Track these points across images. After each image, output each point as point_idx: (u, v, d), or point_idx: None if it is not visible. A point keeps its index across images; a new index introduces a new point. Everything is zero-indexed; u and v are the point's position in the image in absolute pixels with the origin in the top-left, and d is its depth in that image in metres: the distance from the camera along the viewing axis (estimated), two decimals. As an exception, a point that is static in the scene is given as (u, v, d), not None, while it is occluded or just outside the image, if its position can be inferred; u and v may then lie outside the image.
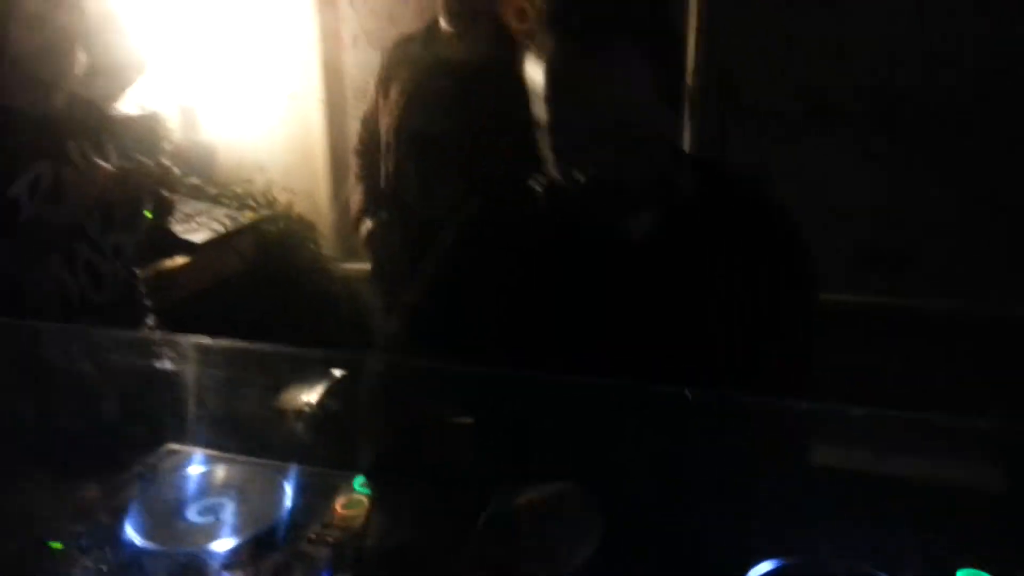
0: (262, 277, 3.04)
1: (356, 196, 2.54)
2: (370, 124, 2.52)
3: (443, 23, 2.31)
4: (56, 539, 1.13)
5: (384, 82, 2.44)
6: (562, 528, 1.05)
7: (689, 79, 2.77)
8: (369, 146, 2.52)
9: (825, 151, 2.75)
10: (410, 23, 2.78)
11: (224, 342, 1.19)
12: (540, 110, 1.12)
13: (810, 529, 1.00)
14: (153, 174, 2.15)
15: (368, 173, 2.52)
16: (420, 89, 2.33)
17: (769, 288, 1.20)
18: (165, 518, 1.17)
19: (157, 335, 1.26)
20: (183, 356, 1.20)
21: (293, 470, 1.24)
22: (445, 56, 2.30)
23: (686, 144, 2.79)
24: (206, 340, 1.21)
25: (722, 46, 2.74)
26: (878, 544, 1.01)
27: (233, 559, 1.09)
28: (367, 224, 2.47)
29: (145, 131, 2.90)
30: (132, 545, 1.12)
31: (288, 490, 1.21)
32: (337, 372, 1.42)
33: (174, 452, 1.33)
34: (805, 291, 1.25)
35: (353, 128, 2.66)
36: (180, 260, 2.77)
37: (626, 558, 1.01)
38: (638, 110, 1.09)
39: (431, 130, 2.30)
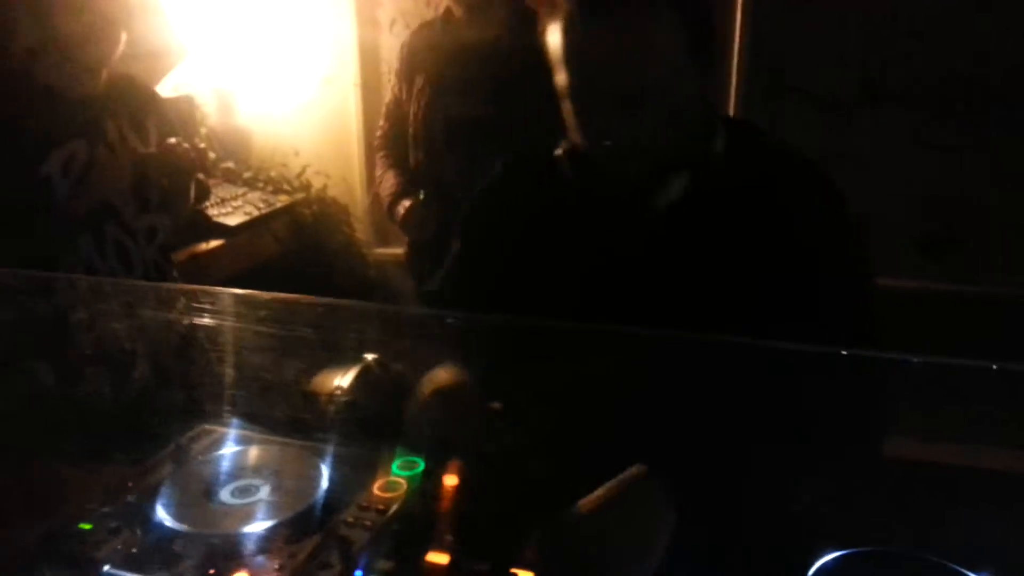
0: (296, 261, 3.03)
1: (388, 182, 2.53)
2: (394, 115, 2.53)
3: (455, 9, 2.33)
4: (86, 520, 1.09)
5: (407, 72, 2.46)
6: (633, 530, 0.97)
7: (735, 59, 2.71)
8: (394, 137, 2.54)
9: (876, 136, 2.67)
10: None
11: (265, 295, 1.13)
12: (562, 77, 1.08)
13: (884, 519, 0.94)
14: (190, 157, 2.13)
15: (397, 160, 2.53)
16: (444, 74, 2.36)
17: (811, 260, 1.11)
18: (198, 499, 1.14)
19: (191, 289, 1.20)
20: (221, 313, 1.15)
21: (330, 451, 1.20)
22: (463, 39, 2.32)
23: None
24: (243, 292, 1.15)
25: (769, 25, 2.67)
26: (956, 537, 0.95)
27: (267, 542, 1.05)
28: (404, 204, 2.44)
29: (183, 114, 2.89)
30: (164, 527, 1.08)
31: (325, 471, 1.17)
32: (369, 356, 1.37)
33: (208, 432, 1.30)
34: (850, 261, 1.17)
35: (383, 112, 2.63)
36: (214, 243, 2.76)
37: (691, 548, 0.95)
38: (664, 71, 1.05)
39: (462, 113, 2.32)
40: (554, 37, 1.07)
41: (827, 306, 1.10)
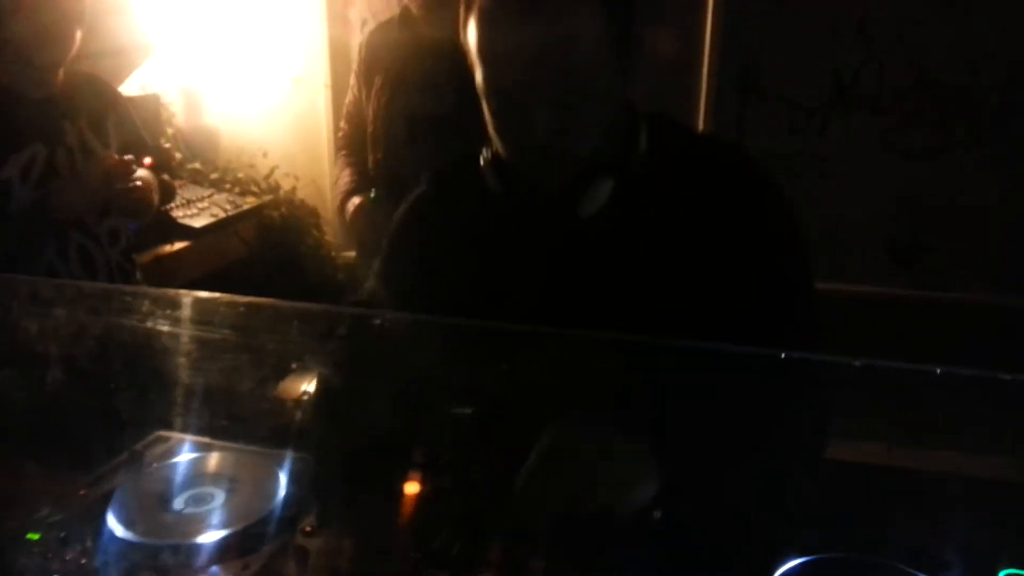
0: (264, 264, 2.99)
1: (342, 180, 2.51)
2: (353, 116, 2.52)
3: (413, 7, 2.32)
4: (34, 530, 1.06)
5: (366, 73, 2.44)
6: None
7: (705, 61, 2.71)
8: (353, 137, 2.52)
9: (849, 142, 2.69)
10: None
11: (222, 297, 1.10)
12: (480, 75, 1.03)
13: (846, 525, 0.93)
14: (155, 158, 2.09)
15: (355, 160, 2.51)
16: (402, 73, 2.33)
17: (744, 250, 1.07)
18: (151, 508, 1.11)
19: (147, 291, 1.17)
20: (175, 319, 1.12)
21: (287, 458, 1.18)
22: (424, 38, 2.30)
23: (700, 128, 2.75)
24: (202, 295, 1.12)
25: (742, 28, 2.67)
26: (917, 542, 0.94)
27: (222, 552, 1.03)
28: (353, 202, 2.41)
29: (148, 113, 2.85)
30: (115, 537, 1.05)
31: (282, 479, 1.15)
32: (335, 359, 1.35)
33: (163, 438, 1.27)
34: (786, 257, 1.11)
35: (343, 114, 2.62)
36: (179, 245, 2.72)
37: (654, 555, 0.94)
38: (587, 69, 0.99)
39: (419, 112, 2.28)
40: (470, 29, 1.03)
41: (766, 294, 1.06)
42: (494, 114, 1.05)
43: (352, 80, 2.52)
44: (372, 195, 2.37)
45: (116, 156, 1.92)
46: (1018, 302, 2.57)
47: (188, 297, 1.13)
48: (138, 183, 1.95)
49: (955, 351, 0.80)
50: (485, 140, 1.13)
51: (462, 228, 1.18)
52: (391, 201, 2.29)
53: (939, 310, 2.66)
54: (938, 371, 0.75)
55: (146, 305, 1.15)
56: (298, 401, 1.41)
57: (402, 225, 1.28)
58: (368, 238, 2.39)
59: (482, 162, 1.13)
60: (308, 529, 1.05)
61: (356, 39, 3.18)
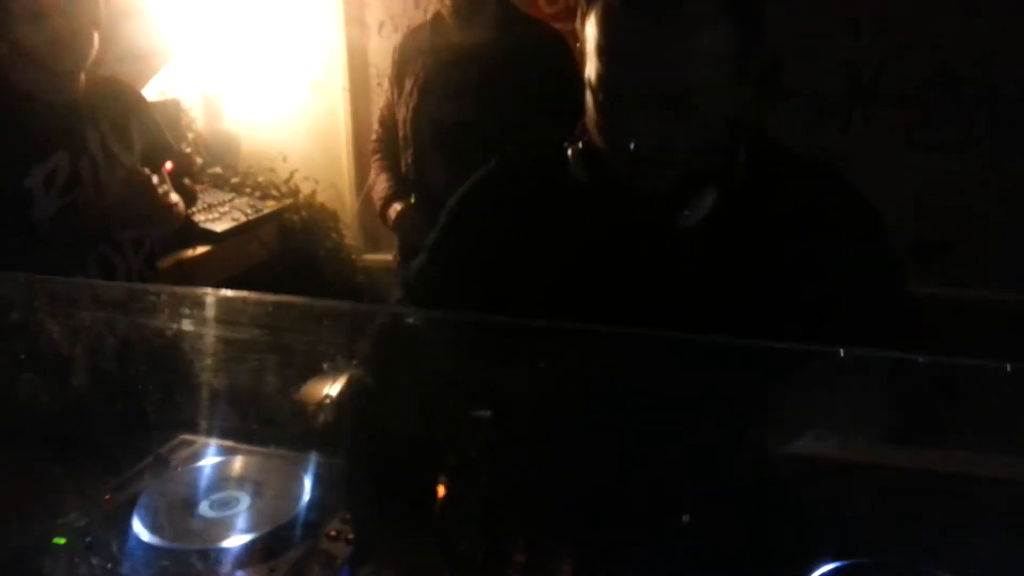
0: (284, 267, 3.00)
1: (381, 185, 2.53)
2: (387, 120, 2.54)
3: (446, 14, 2.33)
4: (60, 535, 1.06)
5: (398, 76, 2.46)
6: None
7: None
8: (387, 141, 2.54)
9: (870, 138, 2.66)
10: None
11: (249, 295, 1.09)
12: (595, 68, 1.00)
13: (876, 529, 0.91)
14: (177, 163, 2.09)
15: (390, 164, 2.53)
16: (434, 78, 2.35)
17: (840, 272, 1.05)
18: (176, 513, 1.11)
19: (172, 290, 1.17)
20: (199, 320, 1.11)
21: (312, 462, 1.17)
22: (455, 44, 2.31)
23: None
24: (228, 293, 1.11)
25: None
26: (947, 545, 0.92)
27: (247, 556, 1.02)
28: (396, 207, 2.43)
29: (169, 119, 2.86)
30: (141, 541, 1.05)
31: (307, 483, 1.14)
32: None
33: (188, 442, 1.27)
34: (886, 285, 1.11)
35: (377, 116, 2.64)
36: (201, 250, 2.73)
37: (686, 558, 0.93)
38: (707, 75, 0.97)
39: (450, 117, 2.31)
40: (593, 25, 0.99)
41: (862, 314, 1.05)
42: (601, 109, 1.03)
43: (386, 84, 2.55)
44: (412, 200, 2.39)
45: (142, 171, 1.92)
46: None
47: (212, 296, 1.12)
48: (168, 195, 1.95)
49: (978, 349, 0.77)
50: (577, 129, 1.10)
51: (535, 213, 1.13)
52: (428, 205, 2.33)
53: (962, 307, 2.63)
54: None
55: (170, 305, 1.14)
56: (321, 404, 1.40)
57: (467, 202, 1.22)
58: (412, 241, 2.40)
59: (571, 152, 1.09)
60: (333, 533, 1.05)
61: (374, 42, 3.19)
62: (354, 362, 1.17)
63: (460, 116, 2.29)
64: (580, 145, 1.08)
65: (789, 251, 1.04)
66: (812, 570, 0.93)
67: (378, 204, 2.51)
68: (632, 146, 0.99)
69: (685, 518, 0.98)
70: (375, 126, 2.64)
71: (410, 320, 1.18)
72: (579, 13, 1.03)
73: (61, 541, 1.06)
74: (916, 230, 2.70)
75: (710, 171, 1.04)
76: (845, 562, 0.93)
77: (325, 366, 1.18)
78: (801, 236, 1.05)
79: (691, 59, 0.96)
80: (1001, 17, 2.47)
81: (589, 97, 1.04)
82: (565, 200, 1.10)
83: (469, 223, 1.20)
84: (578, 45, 1.05)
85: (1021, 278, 2.59)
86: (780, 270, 1.04)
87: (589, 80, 1.02)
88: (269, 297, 1.06)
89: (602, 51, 0.99)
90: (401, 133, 2.44)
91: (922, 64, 2.57)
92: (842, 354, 0.80)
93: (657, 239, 1.07)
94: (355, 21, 3.18)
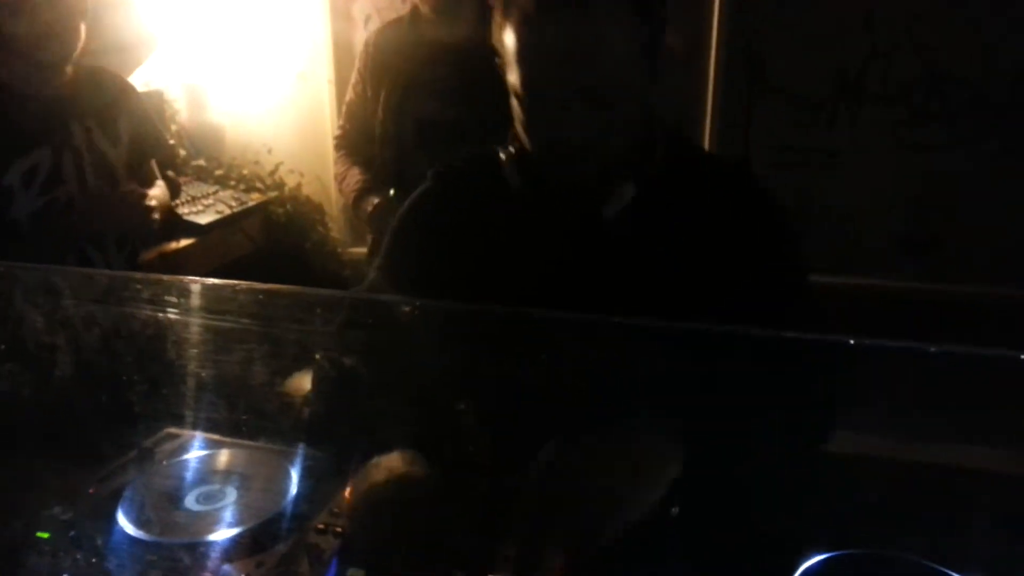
0: (269, 260, 2.98)
1: (352, 179, 2.47)
2: (356, 113, 2.48)
3: (423, 8, 2.30)
4: (44, 528, 1.05)
5: (372, 71, 2.41)
6: (629, 473, 0.97)
7: (712, 57, 2.70)
8: (356, 135, 2.49)
9: (858, 136, 2.67)
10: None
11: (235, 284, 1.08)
12: (515, 72, 1.06)
13: (872, 521, 0.92)
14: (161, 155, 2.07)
15: (359, 159, 2.48)
16: (413, 75, 2.32)
17: (746, 257, 1.12)
18: (162, 506, 1.10)
19: (157, 278, 1.15)
20: (186, 308, 1.10)
21: (299, 454, 1.16)
22: (433, 39, 2.29)
23: (707, 124, 2.73)
24: (215, 282, 1.11)
25: (749, 25, 2.66)
26: (945, 539, 0.93)
27: (234, 550, 1.01)
28: (372, 201, 2.39)
29: (152, 110, 2.83)
30: (126, 535, 1.04)
31: (294, 476, 1.13)
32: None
33: (173, 435, 1.26)
34: (786, 273, 1.17)
35: (344, 110, 2.58)
36: (185, 242, 2.71)
37: (676, 550, 0.93)
38: (619, 71, 1.04)
39: (430, 113, 2.29)
40: (508, 30, 1.05)
41: (765, 293, 1.11)
42: (526, 111, 1.09)
43: (355, 78, 2.49)
44: (391, 194, 2.36)
45: (135, 191, 1.90)
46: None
47: (198, 285, 1.11)
48: (152, 204, 1.93)
49: (967, 345, 0.77)
50: (507, 137, 1.17)
51: (476, 222, 1.19)
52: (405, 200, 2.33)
53: (950, 304, 2.65)
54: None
55: (156, 295, 1.13)
56: (307, 397, 1.40)
57: (409, 220, 1.28)
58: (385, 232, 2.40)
59: (503, 157, 1.17)
60: (321, 526, 1.04)
61: (359, 35, 3.16)
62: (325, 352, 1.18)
63: (440, 112, 2.27)
64: (512, 150, 1.16)
65: (697, 238, 1.12)
66: (803, 560, 0.93)
67: (350, 197, 2.47)
68: (556, 141, 1.07)
69: (674, 510, 0.99)
70: (340, 120, 2.58)
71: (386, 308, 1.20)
72: (494, 27, 1.09)
73: (45, 535, 1.04)
74: (905, 227, 2.71)
75: (629, 164, 1.13)
76: (837, 552, 0.93)
77: (317, 356, 1.17)
78: (708, 224, 1.13)
79: (599, 53, 1.03)
80: (989, 15, 2.48)
81: (514, 102, 1.10)
82: (502, 204, 1.17)
83: (412, 239, 1.27)
84: (497, 60, 1.11)
85: (1010, 274, 2.61)
86: (690, 255, 1.11)
87: (513, 87, 1.09)
88: (257, 285, 1.05)
89: (521, 56, 1.05)
90: (379, 129, 2.40)
91: (909, 62, 2.58)
92: (843, 343, 0.79)
93: (586, 231, 1.14)
94: (341, 14, 3.15)
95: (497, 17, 1.08)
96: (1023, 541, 0.88)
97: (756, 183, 1.20)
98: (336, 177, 2.61)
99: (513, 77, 1.07)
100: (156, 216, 1.98)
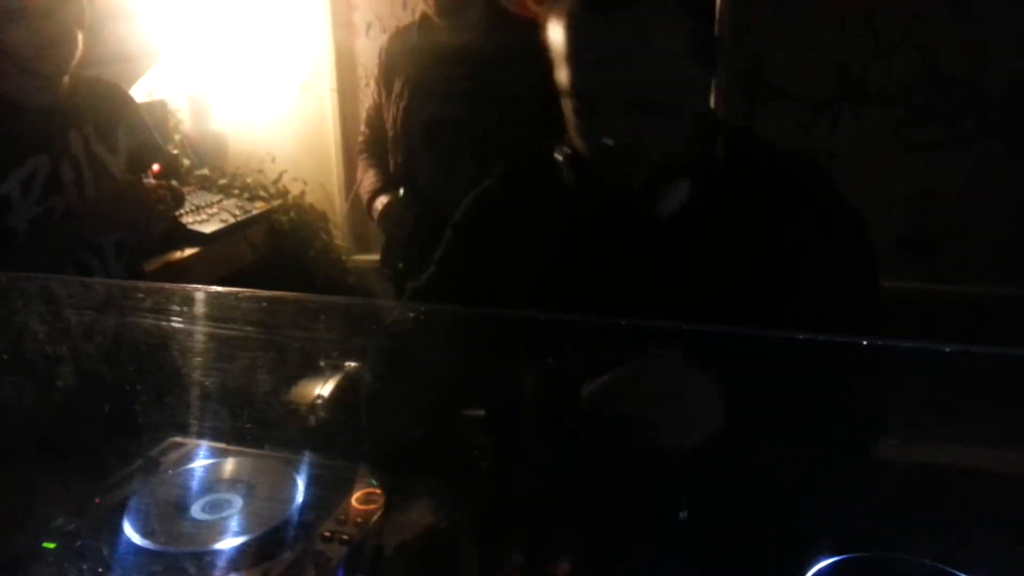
0: (273, 269, 2.98)
1: (368, 180, 2.53)
2: (373, 120, 2.54)
3: (432, 14, 2.32)
4: (50, 539, 1.05)
5: (386, 77, 2.46)
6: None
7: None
8: (374, 141, 2.54)
9: (859, 136, 2.67)
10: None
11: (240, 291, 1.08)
12: (564, 74, 1.05)
13: (880, 523, 0.91)
14: (164, 164, 2.06)
15: (377, 163, 2.54)
16: (422, 78, 2.35)
17: (814, 262, 1.09)
18: (168, 516, 1.10)
19: (160, 287, 1.15)
20: (191, 316, 1.10)
21: (305, 462, 1.16)
22: (442, 44, 2.31)
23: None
24: (220, 290, 1.11)
25: (751, 25, 2.65)
26: (952, 540, 0.92)
27: (241, 559, 1.01)
28: (383, 200, 2.44)
29: (155, 121, 2.83)
30: (132, 545, 1.04)
31: (300, 484, 1.13)
32: (350, 364, 1.33)
33: (178, 444, 1.25)
34: (858, 269, 1.14)
35: (364, 117, 2.64)
36: (189, 252, 2.70)
37: (687, 552, 0.92)
38: (669, 72, 1.02)
39: (439, 116, 2.32)
40: (558, 33, 1.04)
41: (832, 307, 1.07)
42: (576, 113, 1.08)
43: (372, 85, 2.54)
44: (401, 194, 2.39)
45: (130, 177, 1.89)
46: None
47: (201, 293, 1.11)
48: (156, 194, 1.91)
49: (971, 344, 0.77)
50: (562, 136, 1.15)
51: (536, 221, 1.19)
52: (416, 202, 2.34)
53: (952, 304, 2.64)
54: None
55: (160, 303, 1.13)
56: (312, 405, 1.39)
57: (472, 215, 1.28)
58: (397, 234, 2.44)
59: (560, 157, 1.15)
60: (327, 534, 1.04)
61: (361, 42, 3.18)
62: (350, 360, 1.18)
63: (449, 115, 2.30)
64: (567, 150, 1.14)
65: (765, 239, 1.09)
66: (812, 564, 0.92)
67: (365, 198, 2.52)
68: (607, 145, 1.05)
69: (683, 514, 0.98)
70: (362, 127, 2.64)
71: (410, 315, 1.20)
72: (542, 24, 1.08)
73: (51, 545, 1.04)
74: (906, 227, 2.70)
75: (686, 164, 1.10)
76: (845, 556, 0.93)
77: (322, 363, 1.17)
78: (777, 226, 1.10)
79: (648, 58, 1.01)
80: (990, 15, 2.47)
81: (566, 104, 1.09)
82: (561, 204, 1.16)
83: (474, 235, 1.26)
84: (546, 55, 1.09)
85: (1012, 274, 2.60)
86: (755, 257, 1.09)
87: (561, 86, 1.07)
88: (261, 293, 1.05)
89: (568, 58, 1.04)
90: (390, 133, 2.44)
91: (910, 61, 2.58)
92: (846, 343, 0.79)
93: (643, 231, 1.12)
94: (342, 22, 3.16)
95: (547, 14, 1.07)
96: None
97: (831, 183, 1.16)
98: (357, 181, 2.66)
99: (560, 77, 1.06)
100: (162, 208, 1.95)
